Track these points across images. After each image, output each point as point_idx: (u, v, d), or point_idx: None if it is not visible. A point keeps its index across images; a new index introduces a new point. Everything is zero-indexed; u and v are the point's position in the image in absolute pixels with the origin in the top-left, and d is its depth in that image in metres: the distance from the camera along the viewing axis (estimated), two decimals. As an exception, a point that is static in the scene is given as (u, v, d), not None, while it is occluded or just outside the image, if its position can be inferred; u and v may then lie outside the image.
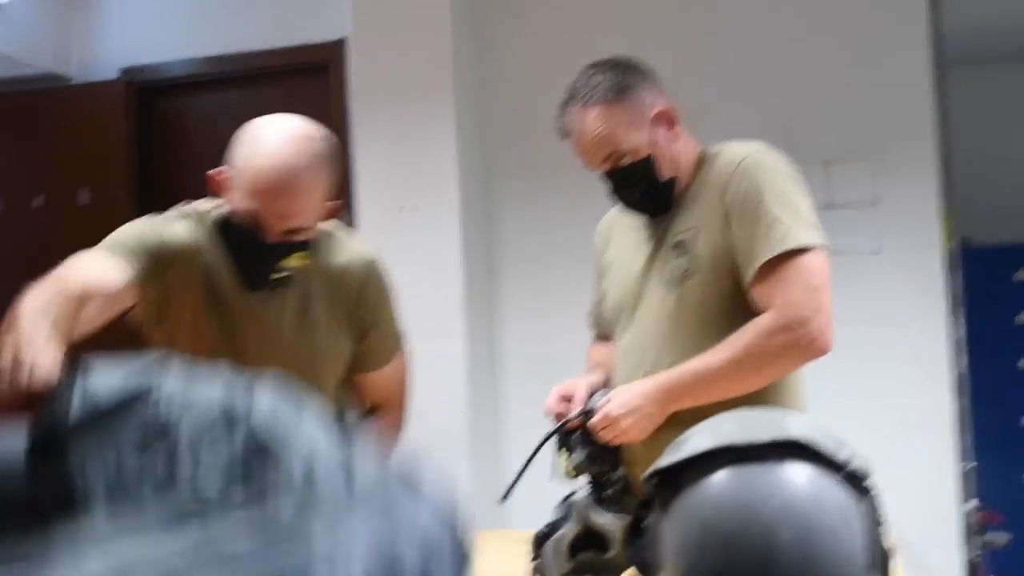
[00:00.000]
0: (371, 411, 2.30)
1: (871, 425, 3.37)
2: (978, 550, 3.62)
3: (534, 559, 1.70)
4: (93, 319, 1.83)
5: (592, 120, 2.07)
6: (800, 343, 1.92)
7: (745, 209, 1.99)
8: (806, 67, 3.80)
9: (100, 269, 1.91)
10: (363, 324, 2.22)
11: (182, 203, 2.13)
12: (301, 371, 1.98)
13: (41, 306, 1.66)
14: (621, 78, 2.07)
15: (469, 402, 3.62)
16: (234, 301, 2.06)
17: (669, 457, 1.18)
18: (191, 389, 1.02)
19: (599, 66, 2.11)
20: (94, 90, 4.32)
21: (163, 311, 2.04)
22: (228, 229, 1.97)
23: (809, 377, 2.10)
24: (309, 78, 4.20)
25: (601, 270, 2.33)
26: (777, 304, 1.93)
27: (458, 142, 3.74)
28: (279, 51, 4.18)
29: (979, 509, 3.63)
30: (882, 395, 3.58)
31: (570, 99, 2.11)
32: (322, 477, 0.93)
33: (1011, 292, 4.40)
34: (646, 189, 2.11)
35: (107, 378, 1.02)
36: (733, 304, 2.01)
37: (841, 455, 1.12)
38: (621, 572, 1.73)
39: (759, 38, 3.86)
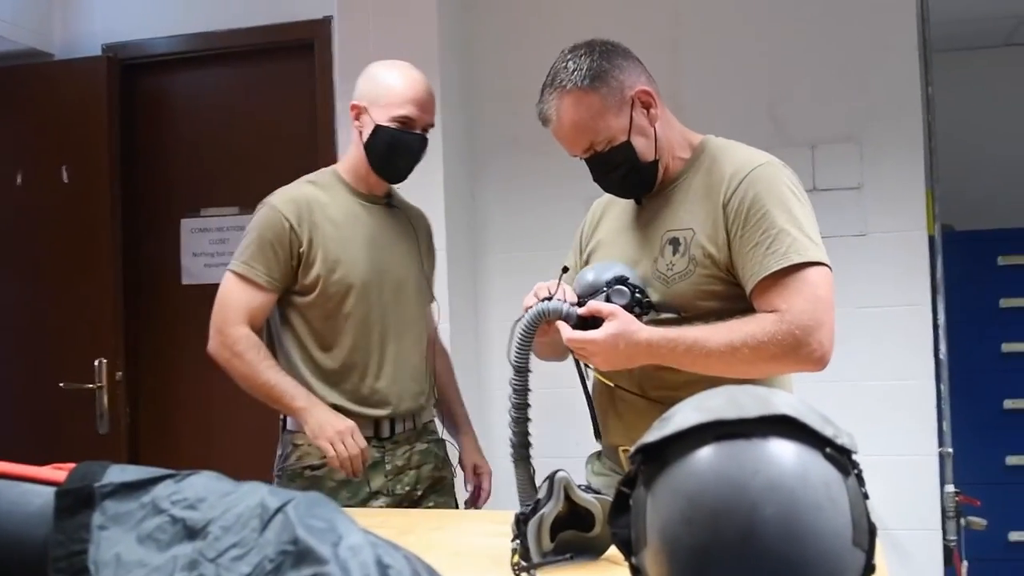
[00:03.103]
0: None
1: (853, 407, 3.39)
2: (954, 534, 3.63)
3: (516, 539, 1.69)
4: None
5: (567, 109, 2.06)
6: (799, 351, 1.90)
7: (749, 219, 1.97)
8: (793, 50, 3.79)
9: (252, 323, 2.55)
10: (429, 261, 2.84)
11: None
12: (408, 283, 2.68)
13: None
14: (597, 62, 2.05)
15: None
16: (361, 217, 2.64)
17: (655, 433, 1.17)
18: (225, 490, 1.01)
19: (576, 50, 2.09)
20: (76, 67, 4.27)
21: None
22: (380, 137, 2.56)
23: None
24: (294, 56, 4.17)
25: (587, 245, 2.32)
26: (781, 309, 1.91)
27: (442, 122, 3.71)
28: (264, 28, 4.15)
29: (957, 493, 3.64)
30: (865, 378, 3.59)
31: (547, 86, 2.10)
32: None
33: (995, 276, 4.41)
34: (626, 173, 2.10)
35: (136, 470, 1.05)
36: (717, 309, 2.01)
37: (827, 431, 1.11)
38: (604, 551, 1.73)
39: (746, 21, 3.86)
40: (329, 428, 2.44)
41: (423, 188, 3.69)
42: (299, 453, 2.58)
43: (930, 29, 3.76)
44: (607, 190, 2.19)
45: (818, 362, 1.92)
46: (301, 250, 2.54)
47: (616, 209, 2.27)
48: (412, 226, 2.75)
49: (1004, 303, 4.38)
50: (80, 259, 4.16)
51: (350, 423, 2.48)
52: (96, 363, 4.05)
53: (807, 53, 3.78)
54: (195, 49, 4.29)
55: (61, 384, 4.06)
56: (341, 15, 3.92)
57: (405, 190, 3.57)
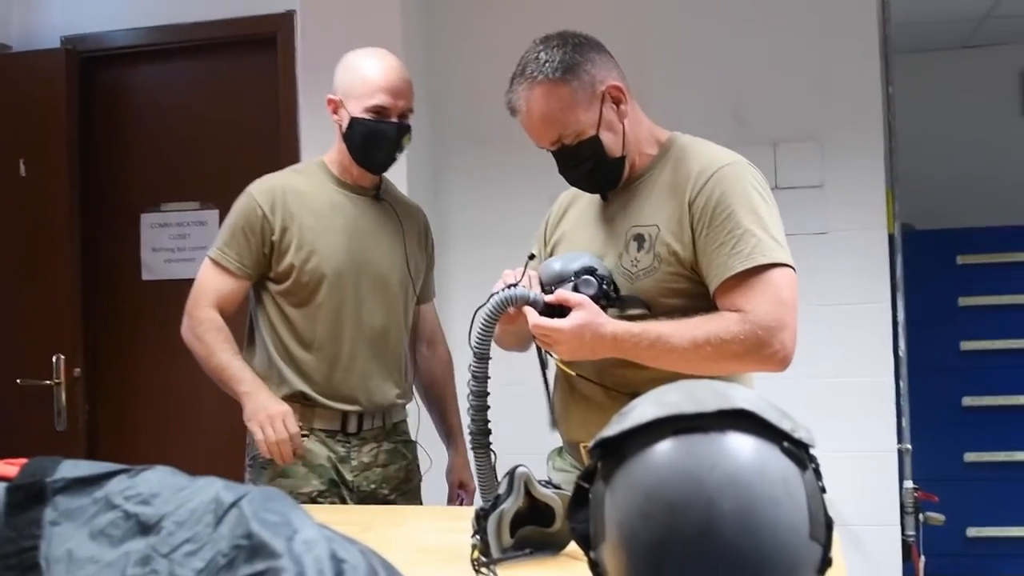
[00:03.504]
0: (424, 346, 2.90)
1: (814, 404, 3.41)
2: (913, 530, 3.67)
3: (475, 534, 1.69)
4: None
5: (538, 99, 2.04)
6: (762, 351, 1.91)
7: (715, 218, 1.97)
8: (756, 50, 3.81)
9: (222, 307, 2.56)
10: (427, 256, 2.83)
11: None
12: (390, 277, 2.64)
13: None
14: (570, 55, 2.04)
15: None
16: (344, 208, 2.62)
17: (613, 427, 1.17)
18: (179, 485, 1.00)
19: (548, 41, 2.08)
20: (35, 59, 4.20)
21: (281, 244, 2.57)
22: (356, 129, 2.53)
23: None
24: (256, 50, 4.14)
25: (551, 236, 2.32)
26: (745, 310, 1.92)
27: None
28: (226, 22, 4.12)
29: (915, 489, 3.68)
30: (825, 374, 3.62)
31: (517, 75, 2.08)
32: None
33: (954, 275, 4.46)
34: (593, 168, 2.10)
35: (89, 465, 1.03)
36: (681, 306, 2.01)
37: (785, 425, 1.11)
38: (564, 546, 1.73)
39: (710, 20, 3.87)
40: (262, 412, 2.43)
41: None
42: None
43: (891, 30, 3.79)
44: (573, 184, 2.19)
45: (780, 363, 1.93)
46: (273, 238, 2.55)
47: (582, 203, 2.26)
48: (399, 220, 2.70)
49: (963, 302, 4.43)
50: (38, 254, 4.10)
51: (284, 408, 2.46)
52: (54, 359, 4.00)
53: (770, 52, 3.80)
54: (156, 42, 4.25)
55: (18, 380, 4.00)
56: (304, 9, 3.90)
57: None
